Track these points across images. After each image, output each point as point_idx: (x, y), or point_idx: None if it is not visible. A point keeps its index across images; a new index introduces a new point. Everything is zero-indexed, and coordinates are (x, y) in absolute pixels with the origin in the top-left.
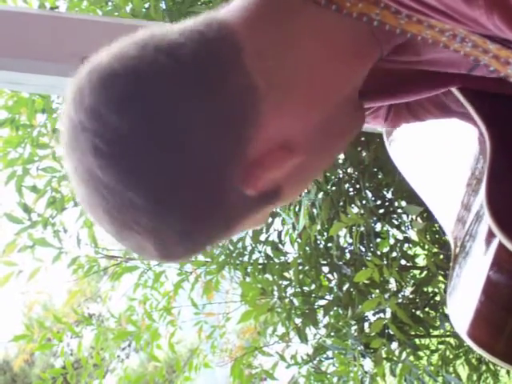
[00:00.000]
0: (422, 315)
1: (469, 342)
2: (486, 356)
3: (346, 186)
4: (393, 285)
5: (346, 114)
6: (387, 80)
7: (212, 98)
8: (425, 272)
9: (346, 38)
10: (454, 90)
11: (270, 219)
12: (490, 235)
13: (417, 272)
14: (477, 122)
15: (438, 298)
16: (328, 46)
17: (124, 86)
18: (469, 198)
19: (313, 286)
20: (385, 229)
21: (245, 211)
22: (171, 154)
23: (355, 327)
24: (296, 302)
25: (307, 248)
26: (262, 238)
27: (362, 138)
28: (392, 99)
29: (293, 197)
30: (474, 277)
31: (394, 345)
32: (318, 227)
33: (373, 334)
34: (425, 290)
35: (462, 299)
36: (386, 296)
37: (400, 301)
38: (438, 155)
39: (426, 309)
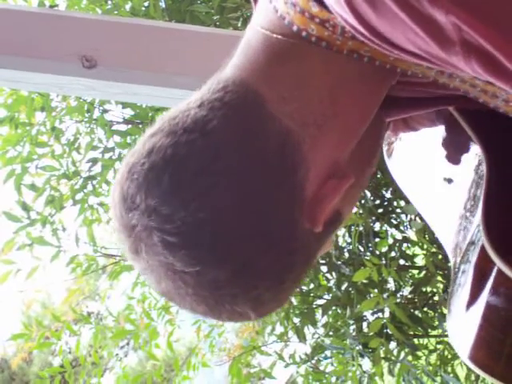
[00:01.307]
0: (420, 315)
1: (470, 365)
2: (487, 378)
3: None
4: (391, 284)
5: (374, 129)
6: (401, 97)
7: (258, 157)
8: (423, 272)
9: (352, 68)
10: (451, 109)
11: None
12: (490, 259)
13: (415, 272)
14: (472, 139)
15: (436, 298)
16: (339, 77)
17: (173, 177)
18: (471, 203)
19: (311, 286)
20: (383, 228)
21: (318, 245)
22: (243, 226)
23: (354, 327)
24: (294, 301)
25: None
26: None
27: None
28: (404, 113)
29: (351, 211)
30: (473, 299)
31: (393, 344)
32: None
33: (371, 333)
34: (423, 289)
35: (463, 321)
36: (385, 296)
37: (398, 300)
38: (434, 169)
39: (425, 309)
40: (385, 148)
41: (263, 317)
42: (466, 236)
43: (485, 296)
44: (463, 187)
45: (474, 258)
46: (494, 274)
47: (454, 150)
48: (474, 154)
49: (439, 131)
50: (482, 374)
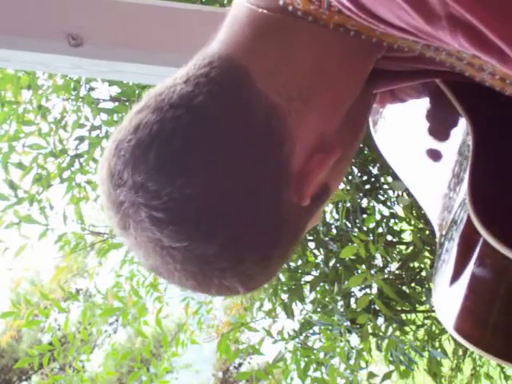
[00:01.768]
0: (408, 290)
1: (456, 336)
2: (473, 349)
3: None
4: (379, 260)
5: (361, 102)
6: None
7: (244, 132)
8: (411, 247)
9: (338, 42)
10: (438, 81)
11: None
12: (475, 230)
13: (403, 247)
14: (458, 111)
15: (424, 274)
16: (325, 51)
17: (159, 153)
18: (460, 168)
19: (299, 262)
20: (371, 204)
21: (306, 218)
22: (229, 200)
23: (341, 303)
24: (282, 277)
25: None
26: None
27: None
28: (391, 85)
29: (339, 185)
30: (459, 272)
31: (380, 320)
32: None
33: (359, 309)
34: (411, 265)
35: (448, 293)
36: (372, 272)
37: (386, 276)
38: (422, 135)
39: (412, 284)
40: (371, 122)
41: (252, 291)
42: (450, 211)
43: (470, 267)
44: (448, 163)
45: (458, 231)
46: (479, 245)
47: (439, 123)
48: (459, 129)
49: (425, 104)
50: (468, 345)
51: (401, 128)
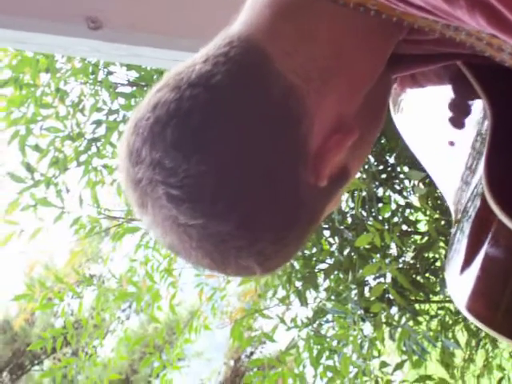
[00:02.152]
0: (422, 280)
1: (468, 316)
2: (485, 329)
3: None
4: (394, 250)
5: (381, 85)
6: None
7: (262, 111)
8: (426, 238)
9: (359, 21)
10: (459, 63)
11: None
12: (490, 211)
13: (418, 237)
14: (479, 94)
15: (438, 264)
16: (344, 31)
17: (176, 131)
18: (473, 161)
19: (314, 250)
20: (387, 194)
21: (324, 201)
22: (245, 178)
23: (355, 291)
24: (297, 265)
25: None
26: None
27: None
28: (412, 69)
29: (358, 170)
30: (472, 252)
31: (394, 309)
32: None
33: (373, 298)
34: (425, 255)
35: (461, 273)
36: (387, 261)
37: (400, 266)
38: (442, 123)
39: (427, 274)
40: (392, 105)
41: (269, 272)
42: (466, 194)
43: (484, 248)
44: (464, 151)
45: (473, 213)
46: (494, 226)
47: (460, 110)
48: (478, 113)
49: (446, 90)
50: (480, 325)
51: (422, 113)
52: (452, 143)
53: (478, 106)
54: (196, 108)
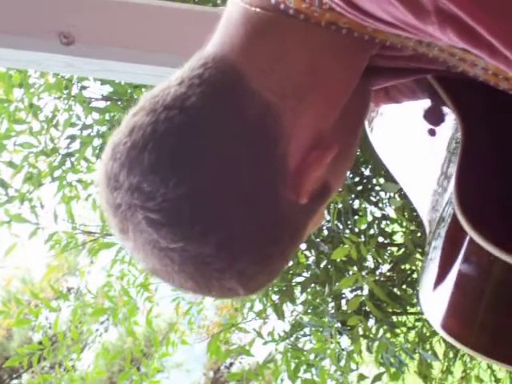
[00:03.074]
0: (399, 292)
1: (441, 333)
2: (458, 346)
3: None
4: (370, 262)
5: (357, 99)
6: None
7: (238, 132)
8: (402, 249)
9: (331, 39)
10: (430, 78)
11: None
12: (461, 228)
13: (394, 249)
14: (450, 109)
15: (415, 276)
16: (317, 49)
17: (153, 154)
18: (448, 164)
19: (290, 263)
20: (363, 206)
21: (306, 218)
22: (224, 200)
23: (332, 304)
24: None
25: None
26: None
27: None
28: (386, 82)
29: (340, 185)
30: (445, 270)
31: (371, 322)
32: None
33: (350, 311)
34: (402, 267)
35: (434, 289)
36: (364, 273)
37: (377, 278)
38: (415, 140)
39: (404, 286)
40: (366, 121)
41: (253, 293)
42: (438, 208)
43: (457, 265)
44: (438, 160)
45: (444, 230)
46: (465, 243)
47: (431, 121)
48: (449, 125)
49: (420, 103)
50: (455, 343)
51: (396, 126)
52: (426, 151)
53: (449, 115)
54: (171, 130)
